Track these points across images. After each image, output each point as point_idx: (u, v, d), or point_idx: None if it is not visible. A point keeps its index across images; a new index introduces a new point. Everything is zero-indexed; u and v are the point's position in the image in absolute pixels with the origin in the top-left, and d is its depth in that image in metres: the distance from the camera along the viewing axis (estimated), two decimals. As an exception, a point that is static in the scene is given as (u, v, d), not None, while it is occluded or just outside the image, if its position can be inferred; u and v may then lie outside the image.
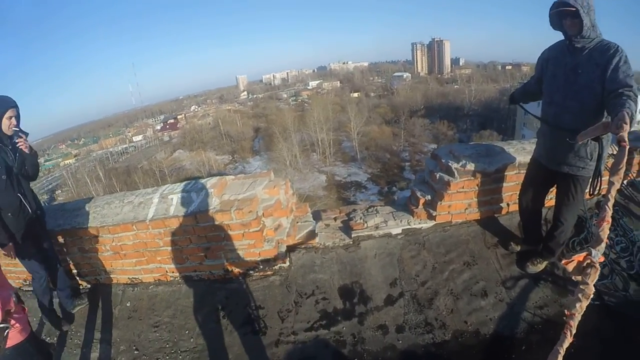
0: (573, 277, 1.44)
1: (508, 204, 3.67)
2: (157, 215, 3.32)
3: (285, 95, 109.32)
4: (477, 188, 3.52)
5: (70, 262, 3.72)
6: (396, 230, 3.68)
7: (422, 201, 3.71)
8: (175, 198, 3.38)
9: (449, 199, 3.54)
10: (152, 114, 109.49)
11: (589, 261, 1.39)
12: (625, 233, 3.43)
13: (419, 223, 3.70)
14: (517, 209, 3.39)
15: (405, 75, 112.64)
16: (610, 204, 1.41)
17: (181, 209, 3.29)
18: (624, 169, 1.50)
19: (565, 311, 1.32)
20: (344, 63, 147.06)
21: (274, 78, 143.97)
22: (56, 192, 53.20)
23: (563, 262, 1.47)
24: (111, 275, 3.73)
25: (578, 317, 1.30)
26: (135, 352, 3.12)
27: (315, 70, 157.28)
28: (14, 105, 2.98)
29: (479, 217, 3.68)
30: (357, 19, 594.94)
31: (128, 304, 3.55)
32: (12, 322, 2.21)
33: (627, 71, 2.27)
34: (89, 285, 3.82)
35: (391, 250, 3.54)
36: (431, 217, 3.68)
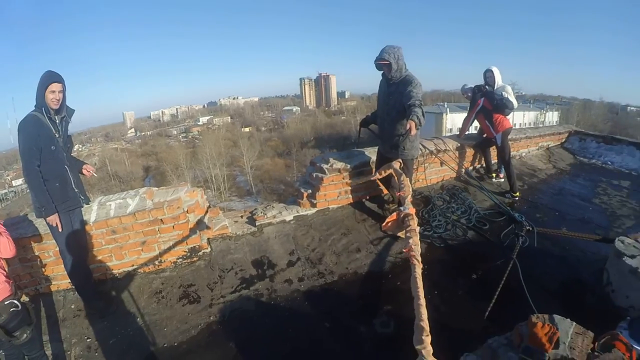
0: (398, 234, 2.29)
1: (369, 191, 5.14)
2: (99, 218, 4.00)
3: (175, 132, 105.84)
4: (344, 180, 4.95)
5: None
6: (289, 218, 4.91)
7: (305, 195, 5.01)
8: (114, 204, 4.12)
9: (324, 190, 4.92)
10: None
11: (403, 214, 2.28)
12: (463, 202, 5.15)
13: (305, 211, 4.99)
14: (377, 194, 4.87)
15: (294, 109, 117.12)
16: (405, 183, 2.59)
17: (120, 210, 4.05)
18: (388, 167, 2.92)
19: (404, 249, 1.99)
20: (234, 98, 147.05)
21: (162, 114, 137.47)
22: None
23: (383, 226, 2.40)
24: (52, 283, 4.10)
25: (417, 249, 1.95)
26: (88, 340, 3.53)
27: (206, 105, 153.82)
28: (57, 80, 3.16)
29: (350, 202, 5.10)
30: (246, 56, 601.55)
31: (72, 306, 3.94)
32: None
33: (415, 90, 3.78)
34: (27, 298, 3.95)
35: (287, 232, 4.73)
36: (313, 205, 4.99)
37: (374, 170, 4.85)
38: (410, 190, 2.53)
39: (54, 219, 3.36)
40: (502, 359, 2.09)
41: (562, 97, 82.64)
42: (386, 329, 3.35)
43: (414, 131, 3.34)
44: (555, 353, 1.99)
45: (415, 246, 1.94)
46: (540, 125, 31.62)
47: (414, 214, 2.23)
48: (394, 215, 2.33)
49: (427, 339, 1.44)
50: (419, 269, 1.78)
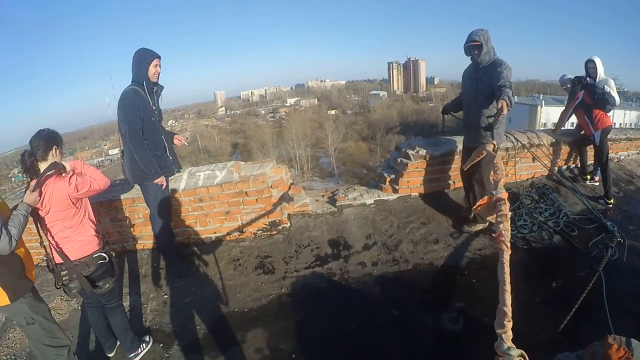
0: (487, 218, 2.19)
1: (454, 182, 4.91)
2: (188, 186, 4.29)
3: (263, 112, 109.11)
4: (428, 168, 4.77)
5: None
6: (369, 201, 4.86)
7: (388, 179, 4.92)
8: (202, 174, 4.40)
9: (407, 176, 4.78)
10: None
11: (495, 198, 2.13)
12: (553, 203, 4.73)
13: (387, 196, 4.90)
14: (462, 185, 4.61)
15: (381, 94, 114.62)
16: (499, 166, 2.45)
17: (208, 181, 4.30)
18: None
19: (493, 235, 1.96)
20: (321, 81, 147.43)
21: (252, 94, 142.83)
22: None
23: (474, 209, 2.24)
24: (138, 242, 4.49)
25: (507, 235, 1.86)
26: (165, 296, 3.83)
27: (293, 87, 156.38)
28: (159, 56, 3.49)
29: (433, 191, 4.92)
30: (335, 39, 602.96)
31: (154, 265, 4.29)
32: None
33: (505, 72, 3.56)
34: (113, 254, 4.09)
35: (366, 215, 4.68)
36: (395, 191, 4.88)
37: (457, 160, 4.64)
38: (504, 173, 2.38)
39: (161, 180, 3.64)
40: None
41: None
42: (454, 325, 3.22)
43: (505, 110, 3.22)
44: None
45: (506, 232, 1.85)
46: (643, 127, 28.18)
47: (506, 199, 2.08)
48: (485, 199, 2.22)
49: (509, 324, 1.38)
50: (507, 255, 1.71)
